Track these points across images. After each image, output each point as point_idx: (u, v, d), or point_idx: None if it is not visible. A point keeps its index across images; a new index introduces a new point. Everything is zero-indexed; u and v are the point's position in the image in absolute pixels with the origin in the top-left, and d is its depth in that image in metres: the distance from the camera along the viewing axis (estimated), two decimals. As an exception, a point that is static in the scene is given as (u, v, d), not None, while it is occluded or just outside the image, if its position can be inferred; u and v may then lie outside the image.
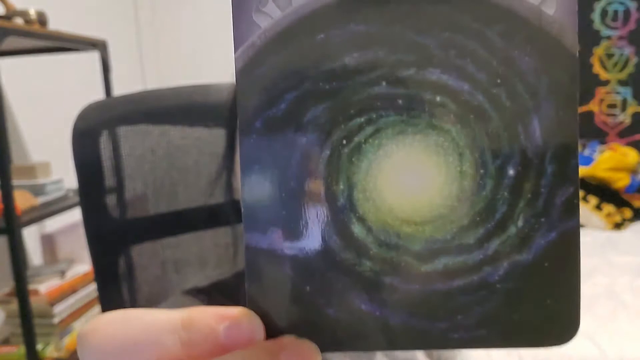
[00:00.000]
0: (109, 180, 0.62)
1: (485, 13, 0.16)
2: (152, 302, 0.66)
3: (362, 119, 0.17)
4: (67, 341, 1.42)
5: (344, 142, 0.17)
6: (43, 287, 1.39)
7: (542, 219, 0.17)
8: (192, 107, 0.65)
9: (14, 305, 1.31)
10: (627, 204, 2.16)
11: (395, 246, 0.17)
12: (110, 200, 0.63)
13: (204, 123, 0.66)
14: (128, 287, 0.65)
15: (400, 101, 0.17)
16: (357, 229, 0.17)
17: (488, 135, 0.17)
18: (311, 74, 0.17)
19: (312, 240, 0.17)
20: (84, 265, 1.55)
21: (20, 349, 1.33)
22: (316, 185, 0.17)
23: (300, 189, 0.17)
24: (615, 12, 2.36)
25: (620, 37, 2.37)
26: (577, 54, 0.16)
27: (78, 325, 1.48)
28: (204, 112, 0.65)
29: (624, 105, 2.41)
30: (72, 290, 1.48)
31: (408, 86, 0.17)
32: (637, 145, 2.34)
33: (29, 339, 1.22)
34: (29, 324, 1.21)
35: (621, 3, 2.36)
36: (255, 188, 0.17)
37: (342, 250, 0.17)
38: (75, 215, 1.49)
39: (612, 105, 2.42)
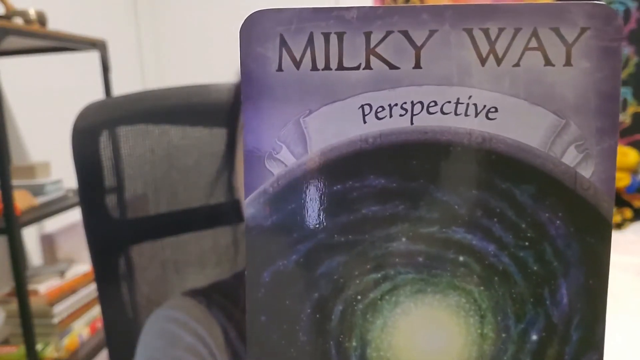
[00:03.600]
0: (109, 180, 0.62)
1: (516, 173, 0.16)
2: (152, 302, 0.66)
3: (379, 275, 0.16)
4: (67, 341, 1.42)
5: (359, 297, 0.16)
6: (43, 287, 1.39)
7: None
8: (192, 107, 0.65)
9: (14, 306, 1.31)
10: (627, 204, 2.16)
11: None
12: (110, 200, 0.62)
13: (204, 123, 0.66)
14: (128, 287, 0.65)
15: (420, 259, 0.16)
16: None
17: (512, 299, 0.16)
18: (326, 225, 0.16)
19: None
20: (83, 266, 1.55)
21: (20, 349, 1.33)
22: (328, 342, 0.16)
23: (311, 346, 0.16)
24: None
25: (620, 37, 2.37)
26: (612, 222, 0.16)
27: (78, 326, 1.48)
28: (204, 112, 0.65)
29: (624, 105, 2.41)
30: (71, 290, 1.47)
31: (429, 244, 0.16)
32: (637, 145, 2.34)
33: (29, 339, 1.22)
34: (28, 324, 1.21)
35: (621, 3, 2.36)
36: (262, 342, 0.16)
37: None
38: (75, 215, 1.49)
39: (612, 105, 2.43)
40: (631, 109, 2.41)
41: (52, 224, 1.64)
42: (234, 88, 0.55)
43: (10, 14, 1.28)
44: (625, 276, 1.66)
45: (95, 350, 1.48)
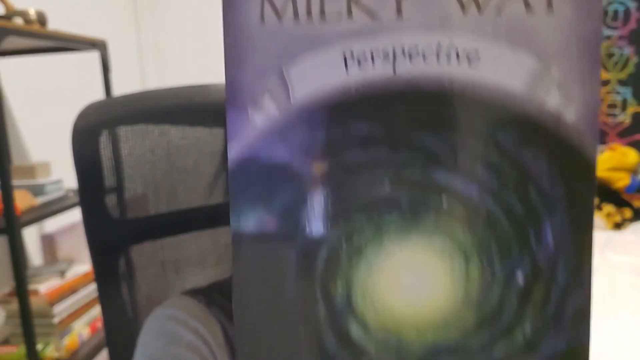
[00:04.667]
0: (109, 180, 0.62)
1: (499, 117, 0.15)
2: (152, 302, 0.66)
3: (363, 219, 0.16)
4: (67, 341, 1.42)
5: (343, 241, 0.16)
6: (43, 287, 1.39)
7: (551, 328, 0.16)
8: (192, 107, 0.65)
9: (14, 305, 1.31)
10: (627, 204, 2.16)
11: (396, 351, 0.16)
12: (110, 200, 0.62)
13: (204, 123, 0.66)
14: (128, 287, 0.65)
15: (404, 202, 0.16)
16: (354, 332, 0.16)
17: (497, 241, 0.16)
18: (310, 171, 0.16)
19: (308, 342, 0.16)
20: (83, 265, 1.55)
21: (20, 349, 1.33)
22: (313, 286, 0.16)
23: (297, 290, 0.16)
24: (616, 12, 2.37)
25: (621, 37, 2.37)
26: (595, 163, 0.15)
27: (78, 325, 1.48)
28: (204, 112, 0.65)
29: (624, 105, 2.41)
30: (72, 290, 1.47)
31: (413, 188, 0.16)
32: (637, 145, 2.34)
33: (29, 339, 1.22)
34: (28, 324, 1.21)
35: (621, 3, 2.36)
36: (248, 291, 0.16)
37: (339, 353, 0.16)
38: (75, 215, 1.49)
39: (612, 105, 2.42)
40: (631, 109, 2.41)
41: (52, 224, 1.64)
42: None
43: (10, 14, 1.28)
44: (625, 276, 1.66)
45: (96, 350, 1.49)
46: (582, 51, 0.15)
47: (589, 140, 0.15)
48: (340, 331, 0.16)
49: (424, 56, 0.15)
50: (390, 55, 0.16)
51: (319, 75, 0.16)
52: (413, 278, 0.16)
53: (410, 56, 0.15)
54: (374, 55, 0.16)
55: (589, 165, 0.15)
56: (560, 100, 0.15)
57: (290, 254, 0.16)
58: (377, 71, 0.16)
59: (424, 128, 0.16)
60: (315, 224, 0.16)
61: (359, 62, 0.16)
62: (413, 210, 0.16)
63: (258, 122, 0.16)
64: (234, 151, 0.16)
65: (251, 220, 0.16)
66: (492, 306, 0.16)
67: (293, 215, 0.16)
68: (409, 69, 0.16)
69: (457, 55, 0.15)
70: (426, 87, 0.16)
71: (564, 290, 0.16)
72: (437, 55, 0.15)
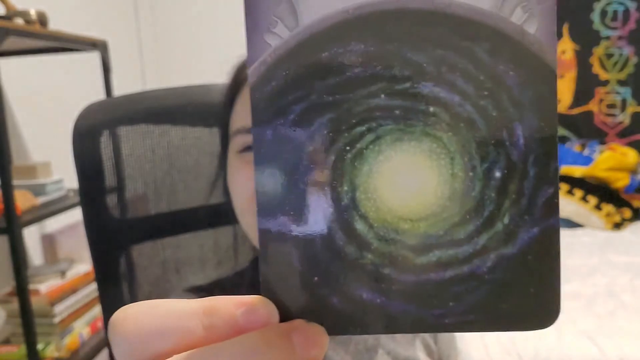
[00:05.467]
0: (110, 180, 0.62)
1: (474, 32, 0.18)
2: (153, 301, 0.66)
3: (364, 128, 0.19)
4: (68, 341, 1.42)
5: (347, 148, 0.19)
6: (43, 286, 1.39)
7: (526, 217, 0.19)
8: (193, 107, 0.65)
9: (15, 305, 1.32)
10: (626, 204, 2.16)
11: (394, 241, 0.19)
12: (111, 200, 0.63)
13: (204, 123, 0.66)
14: (128, 286, 0.65)
15: (397, 111, 0.19)
16: (359, 226, 0.19)
17: (476, 142, 0.19)
18: (317, 87, 0.19)
19: (319, 236, 0.19)
20: (84, 265, 1.55)
21: (20, 349, 1.34)
22: (323, 188, 0.19)
23: (308, 192, 0.19)
24: (615, 12, 2.37)
25: (620, 37, 2.38)
26: (556, 70, 0.18)
27: (78, 325, 1.48)
28: (204, 112, 0.65)
29: (624, 105, 2.41)
30: (72, 290, 1.48)
31: (404, 98, 0.19)
32: (636, 145, 2.35)
33: (30, 338, 1.22)
34: (29, 323, 1.21)
35: (621, 3, 2.36)
36: (267, 191, 0.19)
37: (346, 245, 0.19)
38: (75, 215, 1.49)
39: (611, 105, 2.43)
40: (630, 109, 2.41)
41: (52, 224, 1.64)
42: (225, 89, 0.55)
43: (11, 14, 1.29)
44: (625, 276, 1.67)
45: (96, 350, 1.49)
46: None
47: (548, 49, 0.18)
48: (347, 227, 0.19)
49: None
50: None
51: (322, 1, 0.19)
52: (407, 178, 0.19)
53: None
54: None
55: (550, 71, 0.18)
56: (523, 16, 0.18)
57: (302, 160, 0.19)
58: None
59: (411, 44, 0.18)
60: (323, 133, 0.19)
61: None
62: (405, 118, 0.19)
63: (272, 43, 0.19)
64: (253, 70, 0.19)
65: (269, 130, 0.19)
66: (474, 200, 0.19)
67: (303, 125, 0.19)
68: None
69: None
70: (413, 8, 0.18)
71: (535, 183, 0.19)
72: None
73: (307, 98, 0.19)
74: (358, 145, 0.19)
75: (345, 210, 0.19)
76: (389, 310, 0.19)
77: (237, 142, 0.51)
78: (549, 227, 0.19)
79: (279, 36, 0.19)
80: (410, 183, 0.19)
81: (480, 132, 0.18)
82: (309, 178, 0.19)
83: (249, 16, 0.19)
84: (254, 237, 0.52)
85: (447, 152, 0.19)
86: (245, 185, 0.50)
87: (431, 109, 0.18)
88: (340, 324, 0.19)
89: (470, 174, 0.19)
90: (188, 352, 0.18)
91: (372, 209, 0.19)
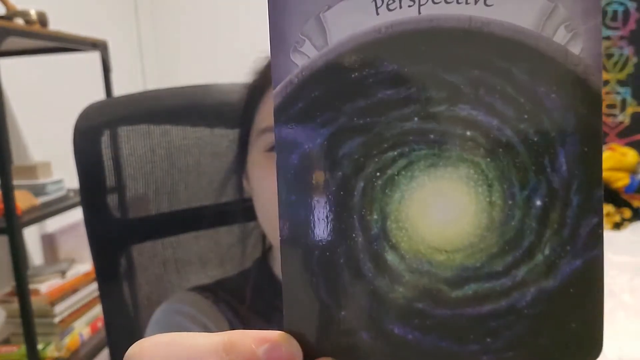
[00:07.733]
0: (110, 180, 0.62)
1: (513, 52, 0.17)
2: (153, 301, 0.66)
3: (395, 153, 0.18)
4: (68, 341, 1.42)
5: (378, 174, 0.18)
6: (44, 286, 1.39)
7: (568, 248, 0.17)
8: (193, 107, 0.65)
9: (15, 305, 1.32)
10: (626, 204, 2.17)
11: (427, 273, 0.18)
12: (112, 200, 0.63)
13: (205, 123, 0.66)
14: (129, 286, 0.65)
15: (431, 136, 0.17)
16: (390, 257, 0.18)
17: (516, 168, 0.17)
18: (346, 110, 0.18)
19: (347, 268, 0.18)
20: (84, 265, 1.55)
21: (20, 349, 1.34)
22: (351, 217, 0.18)
23: (336, 220, 0.18)
24: (615, 12, 2.37)
25: (620, 37, 2.38)
26: (602, 93, 0.17)
27: (78, 325, 1.48)
28: (205, 112, 0.65)
29: (624, 105, 2.41)
30: (72, 289, 1.48)
31: (439, 121, 0.17)
32: (636, 145, 2.35)
33: (30, 338, 1.22)
34: (29, 323, 1.21)
35: (621, 3, 2.36)
36: (292, 219, 0.18)
37: (376, 277, 0.18)
38: (75, 215, 1.49)
39: (611, 106, 2.43)
40: (630, 109, 2.41)
41: (53, 224, 1.64)
42: (247, 89, 0.55)
43: (11, 15, 1.29)
44: (625, 276, 1.67)
45: (96, 350, 1.49)
46: None
47: (593, 71, 0.17)
48: (377, 258, 0.18)
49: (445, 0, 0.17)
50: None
51: (352, 19, 0.18)
52: (441, 206, 0.17)
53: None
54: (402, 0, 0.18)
55: (596, 95, 0.17)
56: (566, 36, 0.17)
57: (330, 186, 0.18)
58: (404, 13, 0.17)
59: (447, 65, 0.17)
60: (352, 158, 0.18)
61: (387, 5, 0.17)
62: (440, 143, 0.17)
63: (299, 63, 0.18)
64: (279, 91, 0.18)
65: (294, 155, 0.18)
66: (513, 229, 0.17)
67: (332, 150, 0.18)
68: (433, 10, 0.17)
69: None
70: (448, 27, 0.17)
71: (578, 212, 0.17)
72: None
73: (335, 121, 0.18)
74: (389, 171, 0.18)
75: (375, 240, 0.18)
76: (422, 347, 0.18)
77: (265, 140, 0.50)
78: (593, 258, 0.17)
79: (307, 55, 0.18)
80: (445, 211, 0.17)
81: (520, 157, 0.17)
82: (337, 206, 0.18)
83: (274, 33, 0.18)
84: (274, 237, 0.51)
85: (484, 179, 0.17)
86: (274, 182, 0.49)
87: (468, 133, 0.17)
88: None
89: (510, 202, 0.17)
90: None
91: (404, 239, 0.18)
